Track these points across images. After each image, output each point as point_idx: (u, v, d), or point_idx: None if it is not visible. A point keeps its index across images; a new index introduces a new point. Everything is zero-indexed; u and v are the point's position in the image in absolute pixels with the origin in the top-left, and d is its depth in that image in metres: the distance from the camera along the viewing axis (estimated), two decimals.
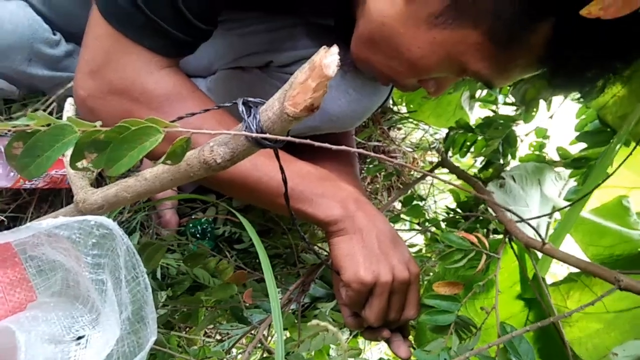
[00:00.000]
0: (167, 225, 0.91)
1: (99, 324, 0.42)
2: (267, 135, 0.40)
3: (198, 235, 0.93)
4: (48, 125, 0.42)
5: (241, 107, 0.42)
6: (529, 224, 0.48)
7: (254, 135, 0.40)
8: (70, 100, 0.60)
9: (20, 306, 0.43)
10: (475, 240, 0.55)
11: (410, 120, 1.16)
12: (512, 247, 0.60)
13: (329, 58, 0.35)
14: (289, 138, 0.40)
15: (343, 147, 0.38)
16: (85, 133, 0.41)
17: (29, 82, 0.79)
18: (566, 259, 0.47)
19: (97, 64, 0.56)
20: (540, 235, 0.48)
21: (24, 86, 0.80)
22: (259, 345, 0.66)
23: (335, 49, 0.35)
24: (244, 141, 0.43)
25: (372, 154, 0.40)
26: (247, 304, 0.65)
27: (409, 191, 1.04)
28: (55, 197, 0.76)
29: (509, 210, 0.47)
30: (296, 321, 0.71)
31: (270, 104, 0.40)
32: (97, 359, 0.40)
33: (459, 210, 0.90)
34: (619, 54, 0.50)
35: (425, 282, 0.78)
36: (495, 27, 0.50)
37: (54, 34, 0.78)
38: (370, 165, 1.11)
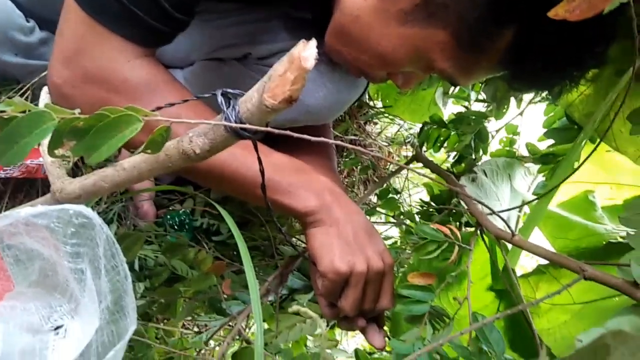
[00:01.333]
0: (144, 216, 0.91)
1: (77, 313, 0.43)
2: (247, 126, 0.41)
3: (176, 227, 0.93)
4: (25, 112, 0.42)
5: (220, 99, 0.43)
6: (499, 216, 0.49)
7: (234, 125, 0.41)
8: (45, 89, 0.59)
9: None
10: (448, 232, 0.57)
11: (386, 115, 1.18)
12: (483, 240, 0.63)
13: (307, 51, 0.36)
14: (268, 129, 0.40)
15: (320, 139, 0.39)
16: (64, 120, 0.41)
17: (2, 70, 0.77)
18: (534, 250, 0.49)
19: (72, 51, 0.55)
20: (510, 227, 0.50)
21: (6, 77, 0.79)
22: (238, 336, 0.67)
23: (313, 42, 0.36)
24: (223, 132, 0.43)
25: (349, 145, 0.42)
26: (226, 295, 0.66)
27: (385, 185, 1.06)
28: (31, 187, 0.75)
29: (481, 203, 0.49)
30: (274, 312, 0.72)
31: (249, 96, 0.41)
32: (75, 348, 0.40)
33: (432, 203, 0.92)
34: (574, 61, 0.53)
35: (400, 274, 0.80)
36: (462, 29, 0.53)
37: (28, 21, 0.77)
38: (347, 159, 1.13)
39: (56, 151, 0.44)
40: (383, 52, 0.58)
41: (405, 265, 0.92)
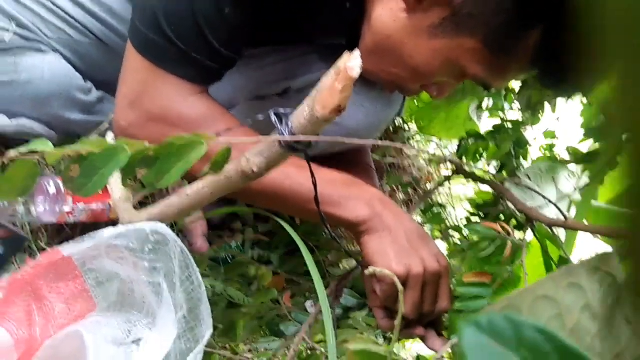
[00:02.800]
0: (199, 251, 0.95)
1: (155, 325, 0.46)
2: (299, 137, 0.44)
3: (230, 261, 0.96)
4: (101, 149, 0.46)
5: (273, 117, 0.46)
6: (552, 203, 0.51)
7: (287, 138, 0.44)
8: (110, 135, 0.65)
9: (82, 315, 0.46)
10: (500, 229, 0.58)
11: (422, 135, 1.20)
12: (534, 234, 0.63)
13: (352, 61, 0.39)
14: (321, 137, 0.44)
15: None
16: (137, 151, 0.46)
17: (66, 127, 0.84)
18: (590, 229, 0.49)
19: (135, 95, 0.61)
20: (562, 213, 0.51)
21: (61, 131, 0.86)
22: (297, 357, 0.68)
23: (357, 52, 0.39)
24: (277, 148, 0.47)
25: (388, 143, 0.44)
26: (286, 312, 0.68)
27: (428, 201, 1.07)
28: (97, 230, 0.80)
29: (534, 191, 0.50)
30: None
31: (300, 111, 0.44)
32: (156, 357, 0.43)
33: (478, 212, 0.92)
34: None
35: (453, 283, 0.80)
36: (490, 35, 0.56)
37: (86, 82, 0.84)
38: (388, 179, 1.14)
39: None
40: (416, 66, 0.61)
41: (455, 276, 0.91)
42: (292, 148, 0.46)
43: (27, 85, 0.76)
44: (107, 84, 0.86)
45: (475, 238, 0.58)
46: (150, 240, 0.43)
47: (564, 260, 0.57)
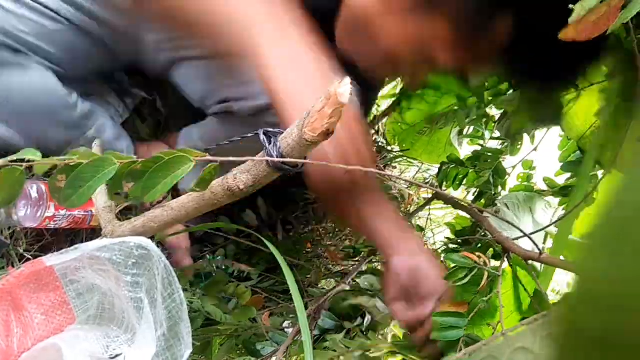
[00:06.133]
0: (178, 264, 0.94)
1: (134, 342, 0.45)
2: (287, 160, 0.45)
3: (214, 274, 0.96)
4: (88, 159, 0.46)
5: (262, 137, 0.47)
6: (528, 237, 0.52)
7: (276, 160, 0.45)
8: (97, 142, 0.64)
9: (61, 328, 0.46)
10: (476, 258, 0.59)
11: (404, 157, 1.22)
12: (510, 265, 0.64)
13: (342, 87, 0.40)
14: (308, 161, 0.44)
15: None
16: (124, 164, 0.46)
17: (48, 143, 0.82)
18: (564, 266, 0.51)
19: None
20: (537, 247, 0.53)
21: (44, 147, 0.84)
22: None
23: (347, 79, 0.40)
24: (264, 167, 0.48)
25: (385, 172, 0.45)
26: (264, 333, 0.68)
27: (409, 224, 1.08)
28: (76, 237, 0.80)
29: (510, 223, 0.52)
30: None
31: (289, 132, 0.45)
32: None
33: (457, 238, 0.94)
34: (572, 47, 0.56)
35: None
36: (461, 19, 0.57)
37: (71, 95, 0.83)
38: None
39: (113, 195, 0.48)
40: (388, 47, 0.62)
41: None
42: (279, 169, 0.47)
43: (7, 103, 0.74)
44: (92, 82, 0.86)
45: (451, 265, 0.59)
46: (135, 255, 0.43)
47: (538, 294, 0.58)
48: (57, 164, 0.44)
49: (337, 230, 1.19)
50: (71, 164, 0.46)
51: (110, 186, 0.47)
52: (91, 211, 0.75)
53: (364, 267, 0.96)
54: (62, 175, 0.46)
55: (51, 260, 0.42)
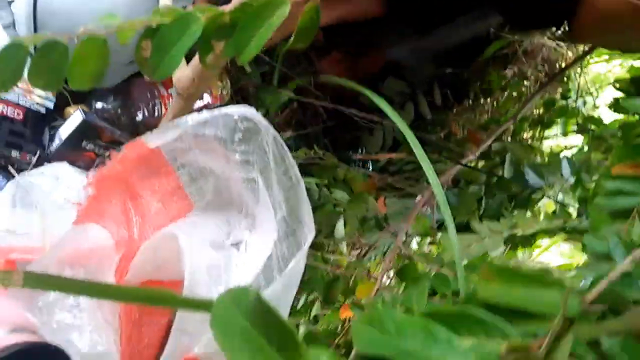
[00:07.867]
0: None
1: (255, 227, 0.40)
2: None
3: None
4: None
5: None
6: None
7: None
8: None
9: (179, 215, 0.42)
10: None
11: None
12: None
13: None
14: None
15: None
16: (210, 17, 0.38)
17: None
18: None
19: None
20: None
21: None
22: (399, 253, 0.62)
23: None
24: None
25: None
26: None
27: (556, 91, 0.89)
28: None
29: None
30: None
31: None
32: (257, 262, 0.38)
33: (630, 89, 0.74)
34: None
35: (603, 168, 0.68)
36: None
37: None
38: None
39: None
40: None
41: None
42: None
43: None
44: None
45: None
46: (240, 129, 0.36)
47: None
48: (139, 26, 0.37)
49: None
50: (153, 25, 0.38)
51: (200, 51, 0.39)
52: None
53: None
54: (147, 42, 0.39)
55: (152, 140, 0.37)
